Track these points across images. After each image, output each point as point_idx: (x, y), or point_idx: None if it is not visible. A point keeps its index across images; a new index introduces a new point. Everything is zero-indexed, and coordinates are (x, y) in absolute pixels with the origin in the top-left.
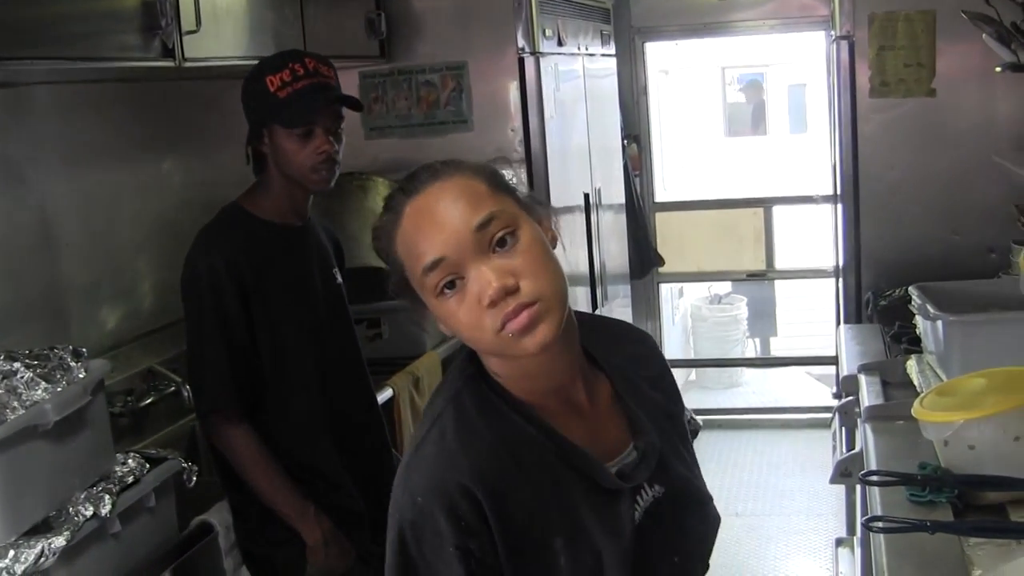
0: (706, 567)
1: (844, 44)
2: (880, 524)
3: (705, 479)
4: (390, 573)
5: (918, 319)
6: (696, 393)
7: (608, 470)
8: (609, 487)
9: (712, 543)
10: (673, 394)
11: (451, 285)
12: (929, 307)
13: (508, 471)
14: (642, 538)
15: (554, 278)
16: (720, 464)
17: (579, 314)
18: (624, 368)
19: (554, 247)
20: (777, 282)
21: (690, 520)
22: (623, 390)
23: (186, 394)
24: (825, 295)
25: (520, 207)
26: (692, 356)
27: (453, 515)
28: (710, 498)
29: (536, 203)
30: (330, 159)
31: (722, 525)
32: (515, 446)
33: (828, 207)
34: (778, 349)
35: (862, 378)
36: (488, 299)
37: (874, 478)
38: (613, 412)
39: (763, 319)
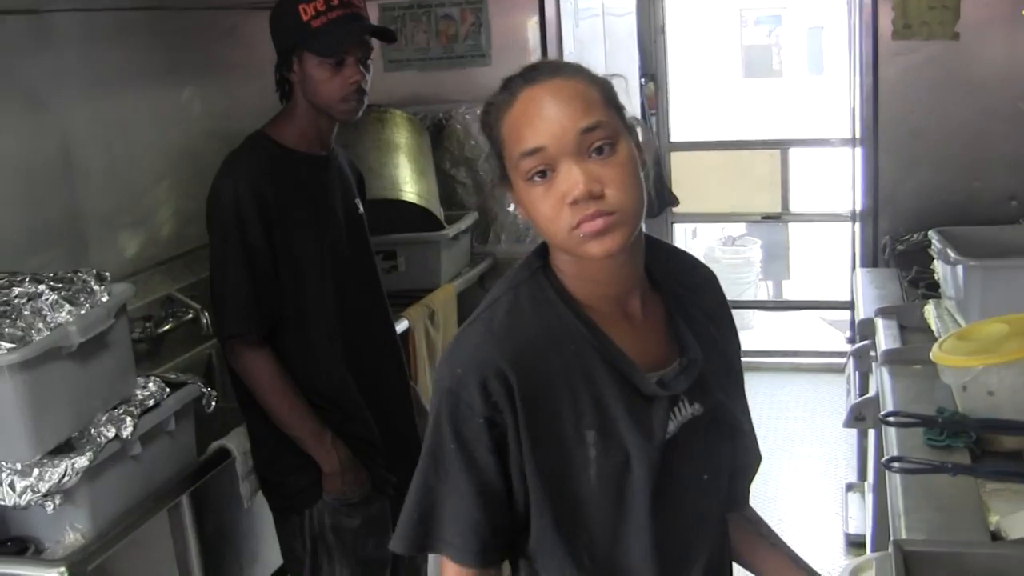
0: (738, 498)
1: None
2: (899, 464)
3: None
4: (428, 434)
5: (937, 264)
6: None
7: (646, 376)
8: (646, 392)
9: (746, 477)
10: (728, 331)
11: (542, 174)
12: (950, 251)
13: (547, 363)
14: (674, 450)
15: (636, 196)
16: None
17: (650, 238)
18: (681, 294)
19: (643, 170)
20: (791, 226)
21: (723, 445)
22: (675, 311)
23: (204, 321)
24: (839, 239)
25: (624, 125)
26: None
27: (484, 391)
28: (751, 433)
29: (638, 124)
30: (360, 89)
31: None
32: (560, 340)
33: (845, 150)
34: (790, 293)
35: (879, 322)
36: (572, 197)
37: (893, 419)
38: (664, 330)
39: (776, 262)
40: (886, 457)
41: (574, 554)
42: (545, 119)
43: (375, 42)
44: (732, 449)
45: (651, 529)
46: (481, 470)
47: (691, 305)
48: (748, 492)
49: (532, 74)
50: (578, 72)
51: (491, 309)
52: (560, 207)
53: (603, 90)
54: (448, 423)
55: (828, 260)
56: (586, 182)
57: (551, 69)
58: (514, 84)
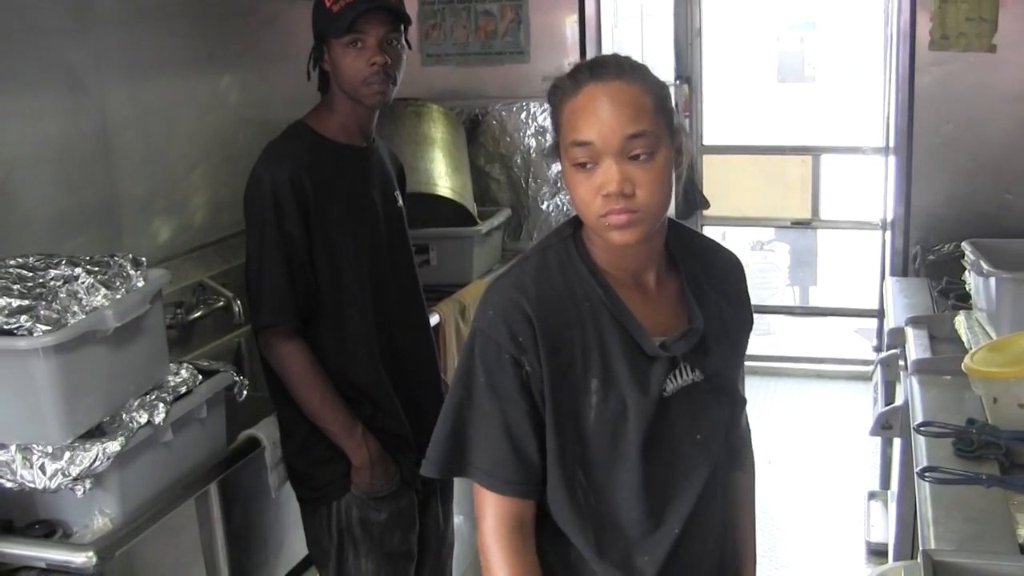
0: (734, 461)
1: None
2: (933, 475)
3: None
4: (458, 369)
5: (969, 275)
6: None
7: (650, 338)
8: (648, 351)
9: (744, 444)
10: (740, 310)
11: (585, 164)
12: (983, 263)
13: (565, 314)
14: (670, 408)
15: (662, 200)
16: (753, 410)
17: (678, 224)
18: (697, 272)
19: (679, 166)
20: (819, 232)
21: (720, 410)
22: (689, 286)
23: (236, 309)
24: (867, 247)
25: (668, 131)
26: None
27: (511, 331)
28: (742, 399)
29: (681, 130)
30: (383, 72)
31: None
32: (578, 297)
33: (877, 158)
34: (816, 299)
35: (909, 331)
36: (606, 191)
37: (926, 429)
38: (675, 303)
39: (804, 268)
40: (920, 467)
41: (572, 487)
42: (600, 118)
43: (413, 37)
44: (729, 415)
45: (641, 473)
46: (508, 405)
47: (705, 283)
48: (748, 457)
49: (599, 70)
50: (639, 77)
51: (522, 264)
52: (595, 195)
53: (657, 96)
54: (479, 358)
55: (855, 268)
56: (620, 182)
57: (617, 69)
58: (581, 75)
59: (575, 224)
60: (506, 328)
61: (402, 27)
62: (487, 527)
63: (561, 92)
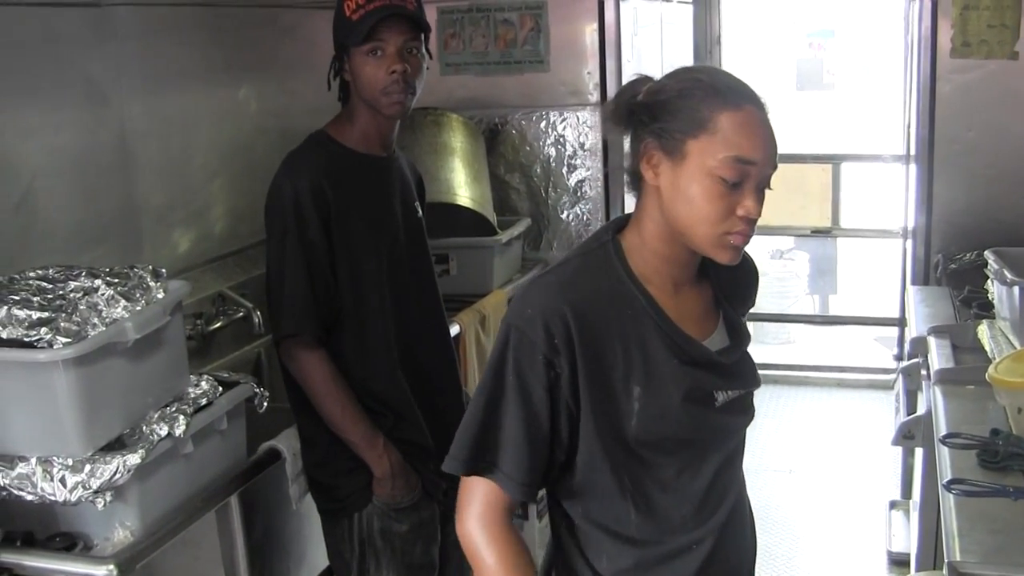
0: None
1: (926, 1)
2: (960, 487)
3: (759, 434)
4: (489, 362)
5: (992, 284)
6: (752, 347)
7: (697, 342)
8: (700, 359)
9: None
10: (743, 307)
11: (728, 183)
12: (1007, 272)
13: (606, 320)
14: (719, 417)
15: None
16: (774, 419)
17: None
18: (723, 280)
19: None
20: (839, 240)
21: (747, 416)
22: (721, 297)
23: (255, 319)
24: (887, 256)
25: None
26: (751, 310)
27: (548, 331)
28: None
29: None
30: (403, 81)
31: (774, 481)
32: (620, 303)
33: (897, 166)
34: (836, 308)
35: (932, 340)
36: (750, 215)
37: (951, 440)
38: (709, 311)
39: (824, 277)
40: (946, 479)
41: (622, 492)
42: (765, 143)
43: (432, 46)
44: (747, 422)
45: (689, 479)
46: (534, 404)
47: (734, 293)
48: None
49: (755, 96)
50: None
51: (562, 267)
52: (729, 213)
53: None
54: (512, 355)
55: (875, 276)
56: (757, 210)
57: (761, 101)
58: (739, 93)
59: (613, 229)
60: (543, 328)
61: (422, 36)
62: (471, 514)
63: (711, 96)
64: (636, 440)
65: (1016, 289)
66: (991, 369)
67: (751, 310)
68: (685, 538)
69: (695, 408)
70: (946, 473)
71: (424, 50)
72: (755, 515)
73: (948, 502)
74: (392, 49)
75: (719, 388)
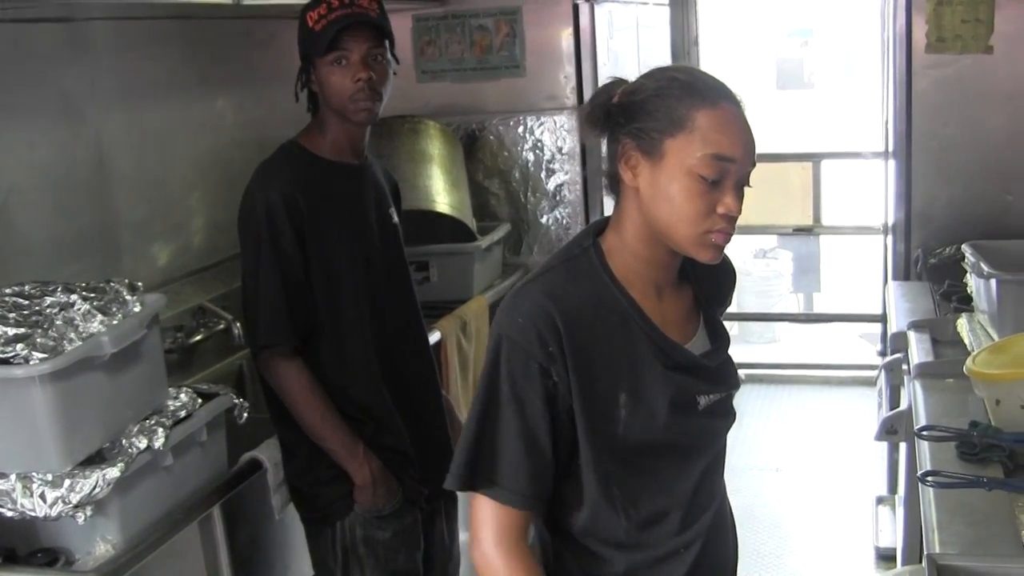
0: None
1: None
2: (934, 479)
3: (745, 433)
4: (483, 374)
5: (970, 277)
6: (737, 346)
7: (681, 347)
8: (684, 363)
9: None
10: (720, 308)
11: (707, 180)
12: (983, 265)
13: (594, 327)
14: (704, 420)
15: None
16: (760, 418)
17: None
18: (703, 281)
19: None
20: (822, 238)
21: (728, 419)
22: (702, 300)
23: (236, 331)
24: (870, 253)
25: None
26: (735, 310)
27: (542, 339)
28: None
29: None
30: (369, 88)
31: (761, 480)
32: (606, 310)
33: (877, 163)
34: (821, 306)
35: (912, 335)
36: (730, 213)
37: (927, 433)
38: (690, 313)
39: (807, 275)
40: (921, 471)
41: (611, 501)
42: (743, 141)
43: (408, 53)
44: (729, 424)
45: (676, 484)
46: (531, 414)
47: (712, 295)
48: None
49: (731, 94)
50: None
51: (548, 274)
52: (710, 213)
53: None
54: (505, 366)
55: (859, 273)
56: (738, 208)
57: (740, 102)
58: (715, 91)
59: (593, 233)
60: (536, 336)
61: (386, 42)
62: (486, 536)
63: (688, 93)
64: (623, 447)
65: (993, 282)
66: (969, 362)
67: (734, 310)
68: (674, 542)
69: (680, 413)
70: (924, 466)
71: (390, 56)
72: (742, 514)
73: (927, 495)
74: (356, 57)
75: (702, 392)
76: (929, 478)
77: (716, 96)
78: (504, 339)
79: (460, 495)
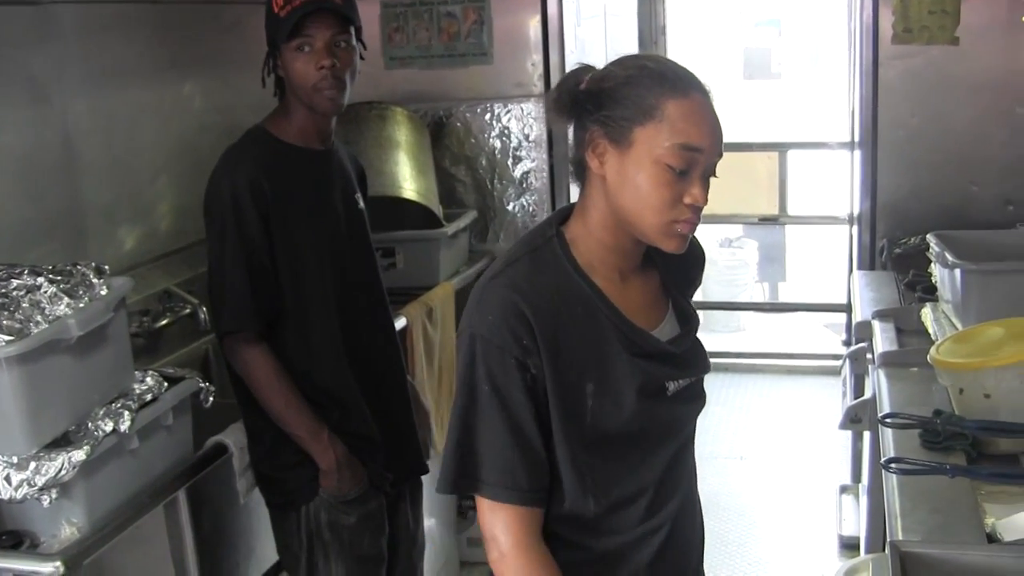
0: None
1: None
2: (898, 466)
3: (710, 422)
4: (459, 377)
5: (935, 267)
6: (702, 335)
7: (653, 337)
8: (651, 350)
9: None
10: (690, 290)
11: (675, 170)
12: (948, 255)
13: (561, 318)
14: (674, 406)
15: None
16: (725, 407)
17: None
18: (671, 266)
19: None
20: (788, 228)
21: (698, 404)
22: (669, 284)
23: (202, 316)
24: (835, 242)
25: None
26: (700, 298)
27: (515, 334)
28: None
29: None
30: (333, 76)
31: (725, 468)
32: (572, 300)
33: (843, 153)
34: (786, 295)
35: (876, 324)
36: (697, 202)
37: (891, 420)
38: (656, 298)
39: (773, 264)
40: (885, 458)
41: (584, 489)
42: (711, 131)
43: (376, 40)
44: (699, 408)
45: (644, 472)
46: (514, 409)
47: (680, 278)
48: None
49: (700, 84)
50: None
51: (513, 266)
52: (676, 202)
53: None
54: (482, 365)
55: (824, 263)
56: (704, 198)
57: (709, 92)
58: (685, 81)
59: (557, 222)
60: (509, 330)
61: (352, 29)
62: (506, 543)
63: (658, 83)
64: (592, 436)
65: (958, 272)
66: (933, 351)
67: (700, 298)
68: (642, 528)
69: (648, 401)
70: (888, 454)
71: (355, 43)
72: (707, 502)
73: (891, 483)
74: (320, 44)
75: (671, 378)
76: (893, 465)
77: (686, 86)
78: (478, 338)
79: (425, 479)
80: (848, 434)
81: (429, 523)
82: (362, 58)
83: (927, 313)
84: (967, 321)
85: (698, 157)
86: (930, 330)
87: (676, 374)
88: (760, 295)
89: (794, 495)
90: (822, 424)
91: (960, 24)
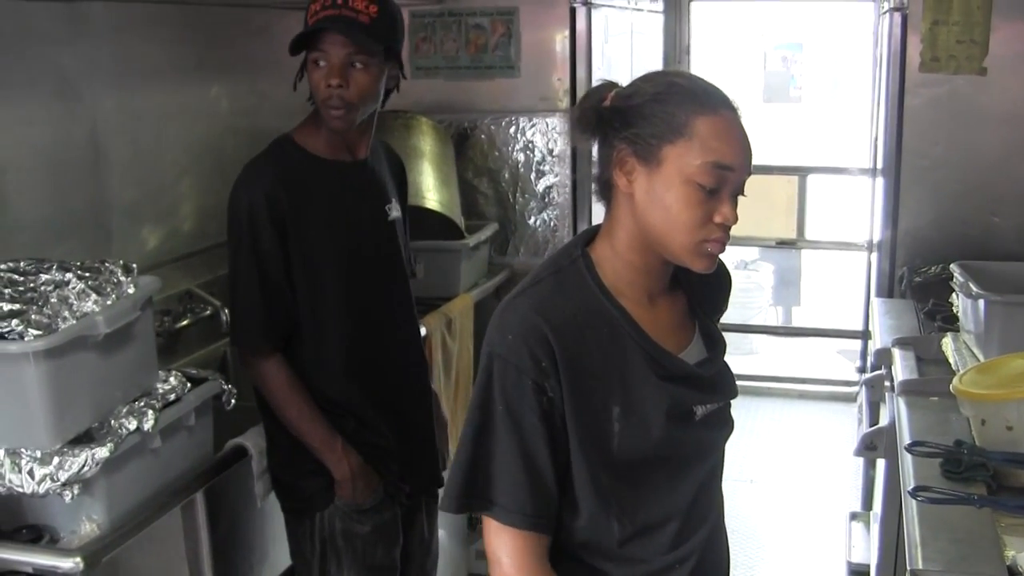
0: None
1: (896, 16)
2: (925, 495)
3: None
4: (475, 394)
5: (957, 297)
6: None
7: (680, 360)
8: (679, 373)
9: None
10: (716, 314)
11: (705, 189)
12: (972, 285)
13: (585, 340)
14: (701, 431)
15: None
16: (736, 430)
17: None
18: (696, 288)
19: None
20: (803, 252)
21: (725, 429)
22: (696, 307)
23: (223, 318)
24: (850, 268)
25: None
26: None
27: (534, 356)
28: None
29: None
30: (338, 97)
31: (735, 491)
32: (597, 322)
33: (862, 179)
34: (799, 320)
35: (896, 352)
36: (728, 222)
37: (917, 449)
38: (683, 321)
39: (788, 288)
40: (911, 486)
41: (608, 516)
42: (743, 149)
43: (403, 49)
44: (727, 434)
45: (674, 498)
46: (527, 433)
47: (708, 301)
48: None
49: (729, 101)
50: None
51: (536, 287)
52: (706, 221)
53: None
54: (498, 385)
55: (839, 289)
56: (734, 217)
57: (738, 109)
58: (715, 98)
59: (583, 243)
60: (528, 352)
61: (382, 49)
62: (510, 566)
63: (688, 100)
64: (618, 460)
65: (981, 302)
66: (956, 380)
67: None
68: (671, 556)
69: (676, 425)
70: (908, 482)
71: (379, 64)
72: None
73: (911, 511)
74: (335, 61)
75: (699, 402)
76: (920, 494)
77: (716, 103)
78: (496, 358)
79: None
80: (858, 461)
81: (439, 534)
82: (404, 77)
83: (948, 343)
84: (989, 352)
85: (728, 175)
86: (951, 360)
87: (704, 398)
88: (774, 318)
89: (803, 520)
90: (833, 450)
91: (988, 54)
